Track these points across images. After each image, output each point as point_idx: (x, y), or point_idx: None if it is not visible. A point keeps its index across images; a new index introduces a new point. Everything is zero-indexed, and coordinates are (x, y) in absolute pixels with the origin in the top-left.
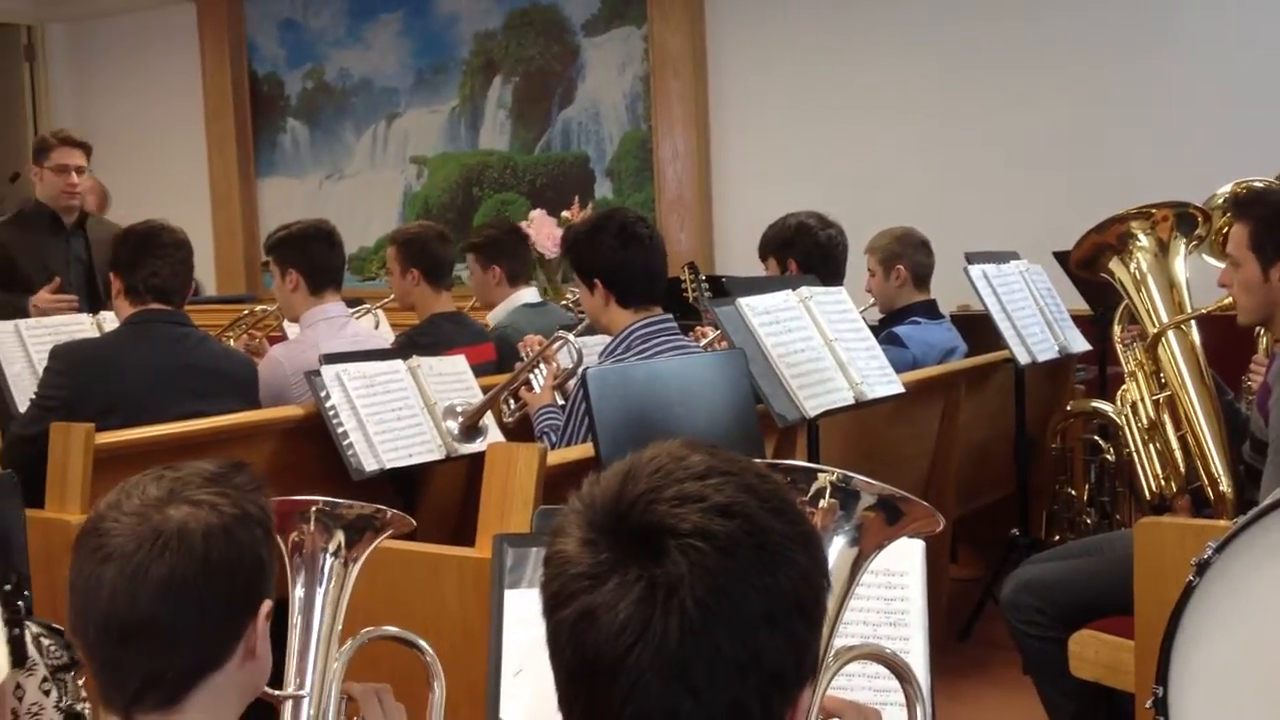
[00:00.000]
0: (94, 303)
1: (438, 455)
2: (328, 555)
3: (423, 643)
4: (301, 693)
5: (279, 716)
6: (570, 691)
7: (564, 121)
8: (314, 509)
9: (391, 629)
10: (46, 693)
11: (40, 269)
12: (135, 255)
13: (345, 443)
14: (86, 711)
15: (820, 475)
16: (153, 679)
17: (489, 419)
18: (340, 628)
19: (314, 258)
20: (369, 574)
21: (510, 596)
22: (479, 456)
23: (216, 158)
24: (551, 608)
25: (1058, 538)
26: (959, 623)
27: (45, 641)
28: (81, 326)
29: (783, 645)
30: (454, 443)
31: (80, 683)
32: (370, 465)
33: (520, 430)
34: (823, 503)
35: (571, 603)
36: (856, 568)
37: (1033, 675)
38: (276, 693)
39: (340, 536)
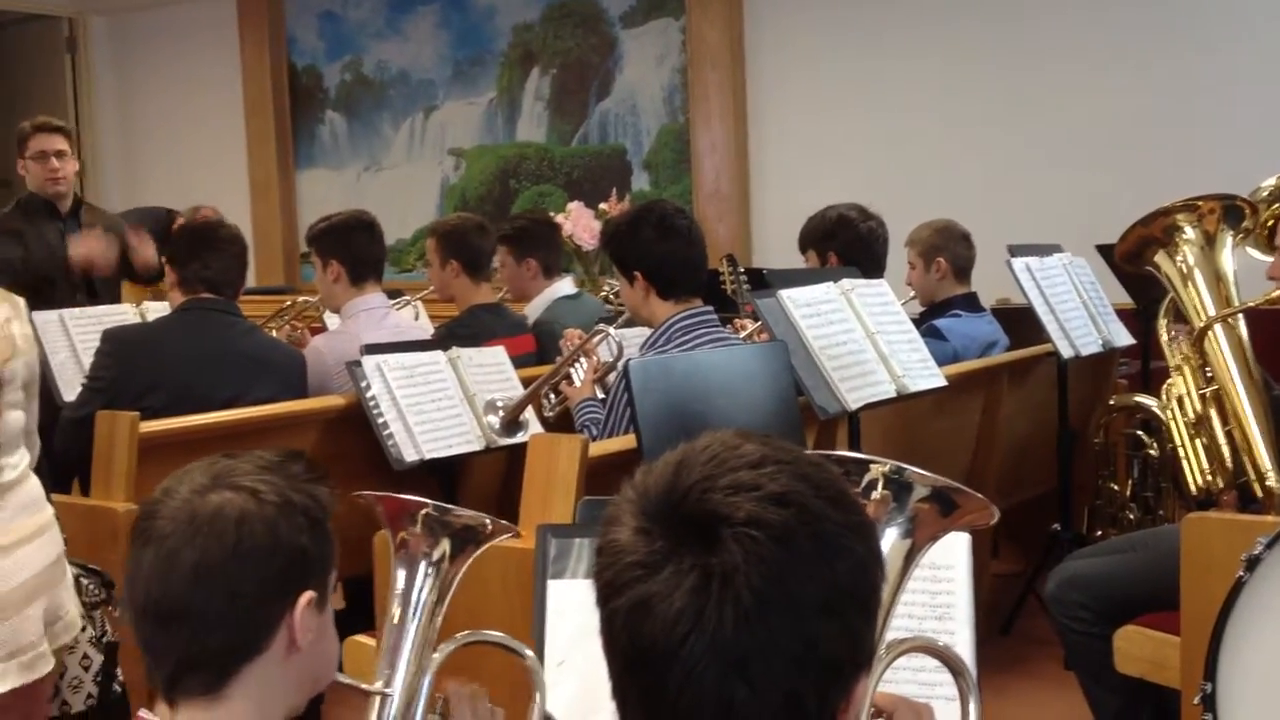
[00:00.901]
0: (89, 289)
1: (477, 446)
2: (431, 558)
3: (526, 650)
4: (388, 690)
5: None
6: (624, 680)
7: (601, 114)
8: (423, 512)
9: (494, 634)
10: (83, 628)
11: (50, 257)
12: (190, 249)
13: (386, 433)
14: (118, 639)
15: (873, 466)
16: (187, 662)
17: (529, 412)
18: (437, 633)
19: (355, 249)
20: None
21: (554, 587)
22: (517, 448)
23: (256, 150)
24: (605, 597)
25: (1100, 533)
26: (1000, 618)
27: (84, 581)
28: (125, 315)
29: (839, 635)
30: (494, 435)
31: (116, 615)
32: (410, 455)
33: (560, 424)
34: (875, 494)
35: (625, 592)
36: (909, 559)
37: (1076, 671)
38: (363, 685)
39: (446, 544)
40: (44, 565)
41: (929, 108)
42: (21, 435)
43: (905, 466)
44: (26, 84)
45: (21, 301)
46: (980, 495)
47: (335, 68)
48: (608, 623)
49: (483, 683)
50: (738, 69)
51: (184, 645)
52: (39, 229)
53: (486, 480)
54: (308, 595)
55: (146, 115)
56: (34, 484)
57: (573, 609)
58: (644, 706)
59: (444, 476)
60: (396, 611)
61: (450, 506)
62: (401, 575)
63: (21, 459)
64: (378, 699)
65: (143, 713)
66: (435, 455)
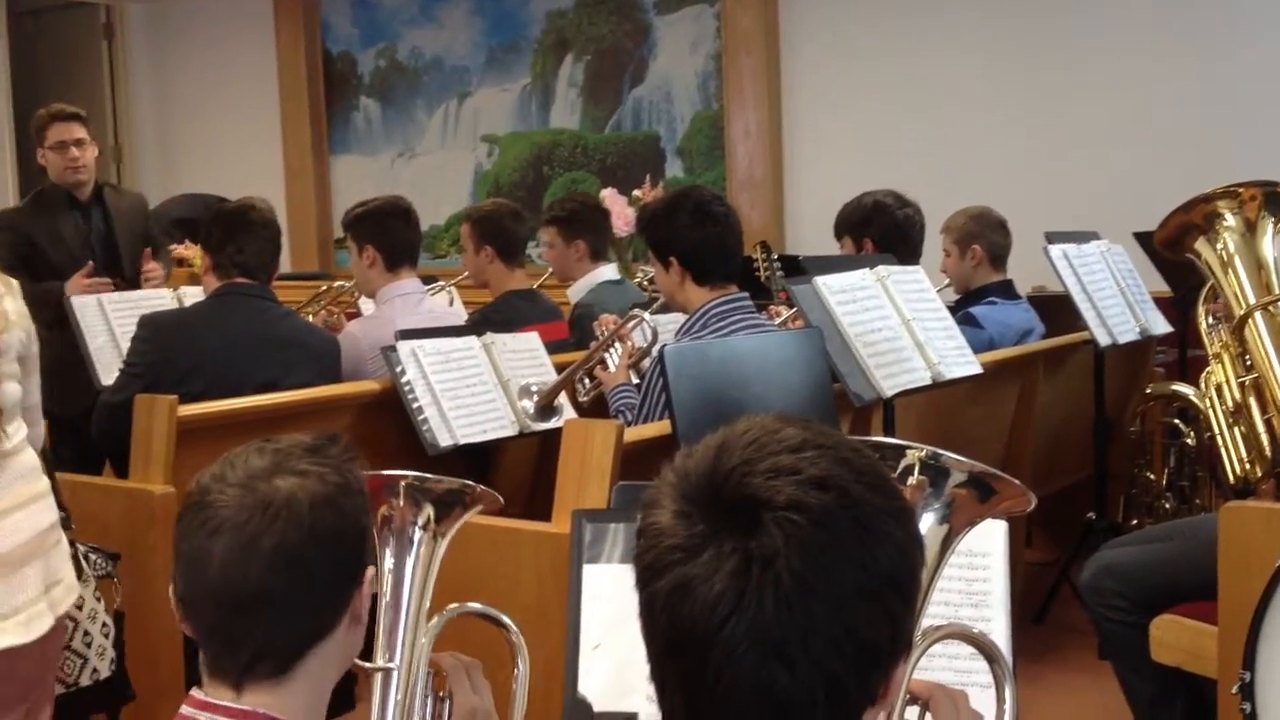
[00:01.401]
0: (114, 275)
1: (511, 431)
2: (417, 529)
3: (507, 620)
4: (391, 665)
5: (369, 688)
6: (663, 663)
7: (635, 100)
8: (404, 483)
9: (476, 605)
10: (99, 599)
11: (65, 253)
12: (224, 233)
13: (420, 418)
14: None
15: (909, 452)
16: (265, 649)
17: (563, 398)
18: (429, 603)
19: (391, 234)
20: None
21: (589, 572)
22: (551, 433)
23: (290, 136)
24: (645, 580)
25: (1135, 522)
26: (1033, 607)
27: (93, 557)
28: (162, 300)
29: (879, 619)
30: (528, 420)
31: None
32: (444, 440)
33: (594, 409)
34: (911, 479)
35: (665, 575)
36: (946, 545)
37: (1112, 659)
38: (366, 664)
39: (430, 511)
40: (37, 531)
41: (965, 94)
42: (17, 407)
43: (941, 452)
44: (64, 71)
45: (15, 282)
46: (1017, 481)
47: (369, 54)
48: (647, 605)
49: (484, 657)
50: (772, 55)
51: (262, 631)
52: (54, 223)
53: (519, 465)
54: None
55: (182, 101)
56: (29, 455)
57: (608, 594)
58: (683, 689)
59: (477, 461)
60: (388, 589)
61: (429, 475)
62: (389, 553)
63: (18, 430)
64: (379, 675)
65: (194, 691)
66: (469, 440)
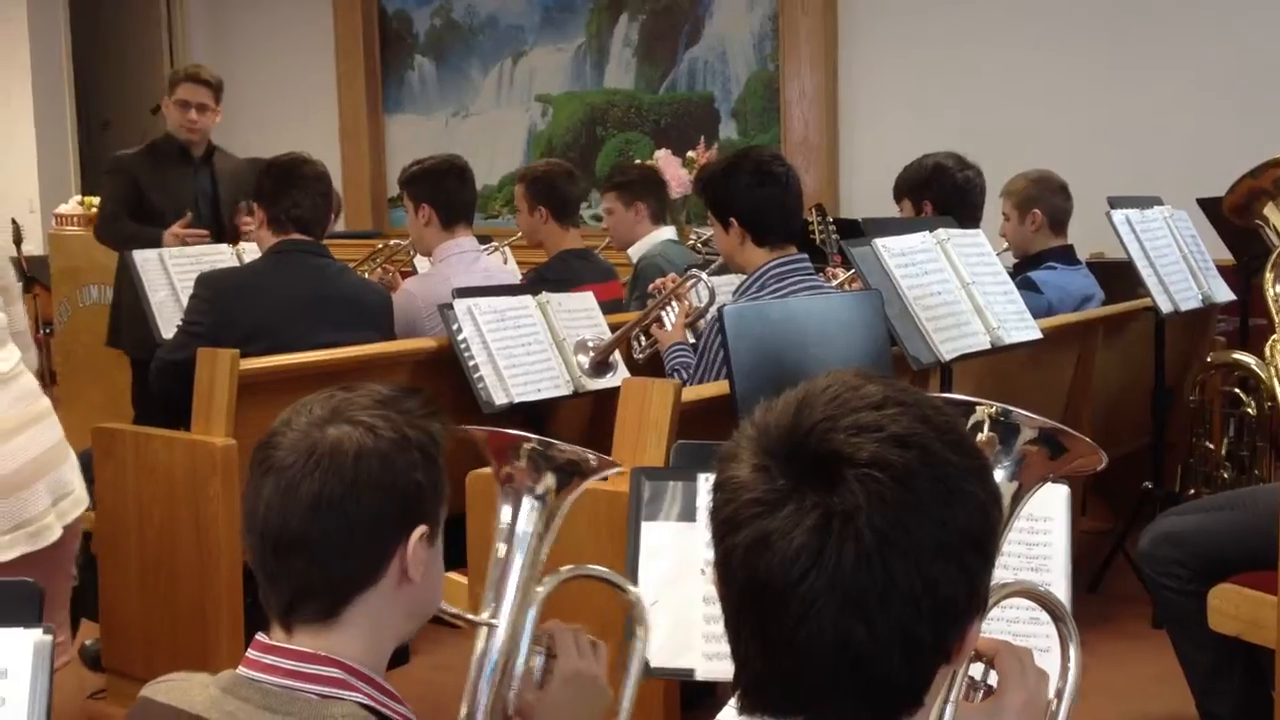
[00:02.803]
0: (219, 234)
1: (565, 391)
2: (535, 493)
3: (629, 585)
4: (494, 621)
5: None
6: (740, 615)
7: (690, 61)
8: (526, 446)
9: (597, 568)
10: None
11: (169, 200)
12: (277, 187)
13: (476, 375)
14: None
15: (979, 408)
16: (303, 591)
17: (617, 356)
18: (541, 567)
19: (447, 193)
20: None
21: (647, 529)
22: (604, 392)
23: (346, 94)
24: (723, 533)
25: (1192, 491)
26: (1088, 575)
27: None
28: (222, 256)
29: (957, 576)
30: (583, 378)
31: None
32: (500, 399)
33: (649, 368)
34: (981, 435)
35: (744, 528)
36: (1015, 502)
37: (1168, 628)
38: (470, 617)
39: (550, 478)
40: (44, 449)
41: (1025, 58)
42: (5, 333)
43: (1011, 408)
44: (123, 37)
45: None
46: (1088, 439)
47: (425, 13)
48: (724, 558)
49: (577, 620)
50: (830, 15)
51: (301, 574)
52: (163, 172)
53: (573, 424)
54: (420, 530)
55: (239, 59)
56: (28, 379)
57: (665, 550)
58: (760, 641)
59: (532, 420)
60: (502, 546)
61: (554, 441)
62: (506, 510)
63: (11, 354)
64: (484, 629)
65: (260, 636)
66: (524, 399)
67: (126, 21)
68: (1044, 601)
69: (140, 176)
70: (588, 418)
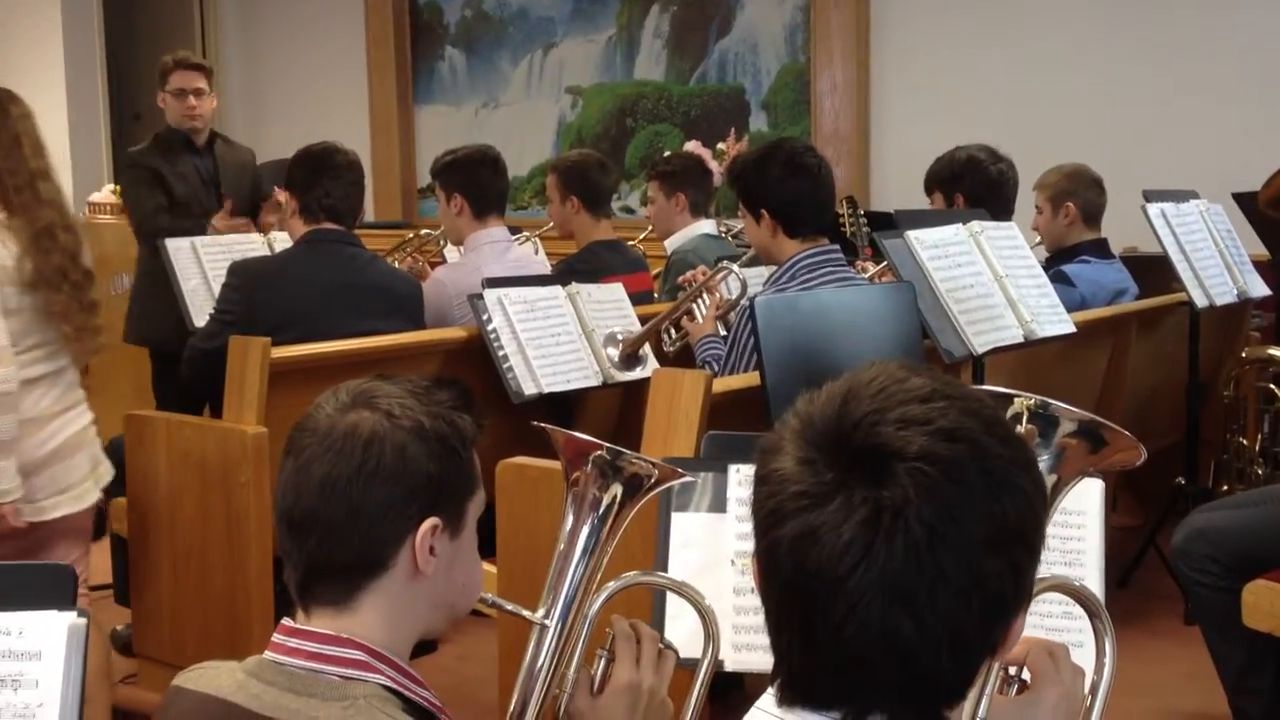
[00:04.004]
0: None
1: (595, 381)
2: (601, 500)
3: (699, 595)
4: (545, 621)
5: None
6: (783, 609)
7: (721, 52)
8: (594, 453)
9: (660, 576)
10: None
11: (188, 190)
12: (309, 176)
13: (505, 365)
14: None
15: (1017, 400)
16: (314, 571)
17: (647, 348)
18: (600, 572)
19: (479, 183)
20: (536, 495)
21: (677, 520)
22: (633, 383)
23: (376, 85)
24: (767, 526)
25: (1225, 488)
26: (1118, 571)
27: None
28: (254, 245)
29: (1005, 571)
30: (612, 369)
31: None
32: (529, 389)
33: (679, 360)
34: (1020, 428)
35: (789, 521)
36: (1054, 495)
37: (1201, 624)
38: (525, 612)
39: (617, 487)
40: (81, 428)
41: (1058, 51)
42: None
43: (1051, 401)
44: (155, 24)
45: None
46: (1128, 433)
47: (455, 4)
48: (769, 552)
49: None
50: (861, 7)
51: (311, 554)
52: (176, 165)
53: (602, 415)
54: (430, 522)
55: (271, 49)
56: (72, 373)
57: (695, 542)
58: (804, 635)
59: (560, 410)
60: (563, 546)
61: (624, 451)
62: (571, 512)
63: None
64: (536, 629)
65: (285, 620)
66: (553, 389)
67: (159, 14)
68: (1080, 597)
69: (159, 167)
70: (616, 409)
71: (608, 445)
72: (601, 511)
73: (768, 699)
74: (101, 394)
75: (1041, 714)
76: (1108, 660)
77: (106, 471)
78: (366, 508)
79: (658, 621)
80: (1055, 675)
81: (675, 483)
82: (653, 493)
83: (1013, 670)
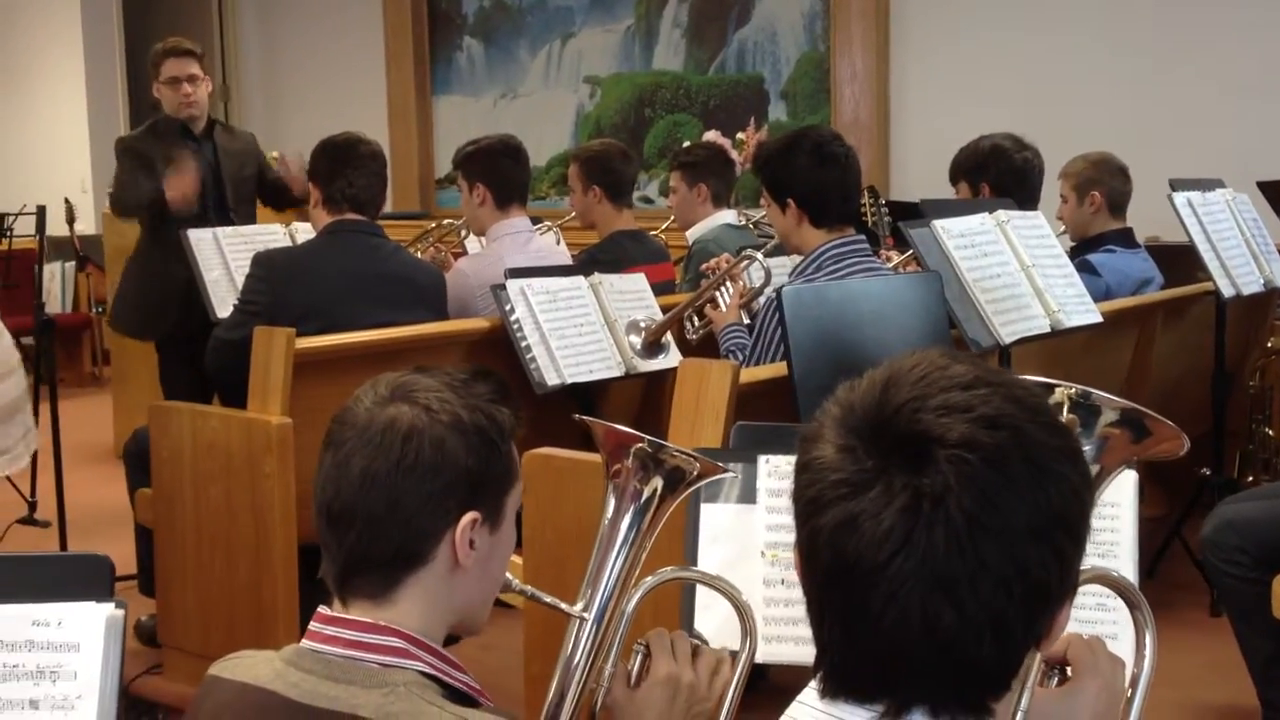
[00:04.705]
0: (222, 211)
1: (617, 372)
2: (641, 493)
3: (736, 590)
4: (585, 614)
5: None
6: (824, 598)
7: (740, 42)
8: (636, 446)
9: (696, 571)
10: None
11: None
12: (333, 166)
13: (528, 356)
14: None
15: (1058, 389)
16: (353, 564)
17: (669, 337)
18: (639, 567)
19: (501, 173)
20: (562, 486)
21: (706, 511)
22: (655, 373)
23: (394, 75)
24: (807, 514)
25: (1250, 479)
26: (1144, 561)
27: None
28: (275, 236)
29: (1049, 560)
30: (635, 359)
31: None
32: (552, 380)
33: (702, 349)
34: (1061, 417)
35: (830, 509)
36: (1097, 484)
37: (1230, 616)
38: (563, 605)
39: (658, 480)
40: (17, 394)
41: (1080, 38)
42: None
43: (1092, 390)
44: (174, 13)
45: None
46: (1171, 423)
47: None
48: (809, 540)
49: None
50: None
51: (350, 547)
52: (170, 150)
53: (624, 405)
54: (470, 515)
55: (288, 42)
56: (6, 338)
57: (725, 533)
58: (843, 624)
59: (583, 401)
60: (603, 540)
61: (665, 444)
62: (611, 505)
63: None
64: (576, 621)
65: (322, 608)
66: (576, 380)
67: (178, 7)
68: (1120, 588)
69: (152, 155)
70: (639, 399)
71: (649, 438)
72: (642, 504)
73: (810, 692)
74: (124, 385)
75: (1082, 705)
76: (1148, 652)
77: (34, 438)
78: (406, 501)
79: (686, 614)
80: (1095, 667)
81: (717, 477)
82: (694, 487)
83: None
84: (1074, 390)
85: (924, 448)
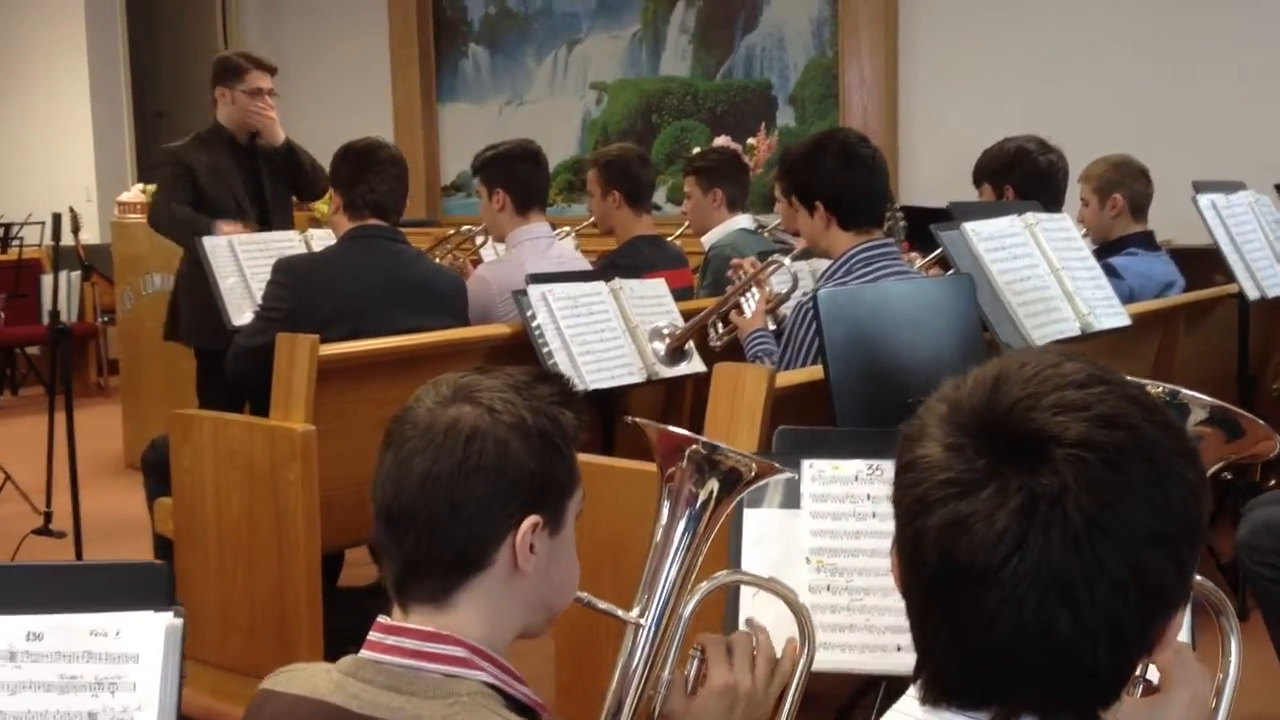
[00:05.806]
0: (266, 223)
1: (639, 378)
2: (697, 495)
3: (793, 593)
4: (641, 621)
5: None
6: (929, 601)
7: (747, 47)
8: (690, 448)
9: (752, 574)
10: None
11: (224, 190)
12: (354, 171)
13: (550, 362)
14: None
15: (1147, 388)
16: (412, 567)
17: (691, 343)
18: (696, 571)
19: (521, 178)
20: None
21: (750, 516)
22: (676, 379)
23: (400, 82)
24: (913, 514)
25: (1274, 482)
26: None
27: None
28: (291, 243)
29: (1167, 564)
30: (656, 365)
31: None
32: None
33: (724, 355)
34: None
35: (937, 510)
36: None
37: (1266, 619)
38: (619, 612)
39: (713, 483)
40: None
41: (1089, 40)
42: None
43: (1180, 389)
44: (178, 21)
45: None
46: (1263, 422)
47: (479, 0)
48: (914, 542)
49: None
50: (890, 1)
51: (410, 550)
52: (214, 159)
53: (645, 411)
54: (532, 519)
55: (293, 47)
56: None
57: (769, 538)
58: (951, 630)
59: (604, 407)
60: (658, 544)
61: (720, 445)
62: (666, 509)
63: None
64: (631, 628)
65: (381, 618)
66: (598, 385)
67: (182, 13)
68: (1205, 593)
69: (193, 164)
70: (660, 404)
71: (703, 440)
72: (698, 508)
73: (909, 700)
74: (135, 394)
75: (1173, 715)
76: (1233, 659)
77: None
78: (467, 504)
79: (730, 620)
80: (1186, 678)
81: (774, 478)
82: (750, 488)
83: (1139, 670)
84: (1161, 389)
85: (1039, 447)
